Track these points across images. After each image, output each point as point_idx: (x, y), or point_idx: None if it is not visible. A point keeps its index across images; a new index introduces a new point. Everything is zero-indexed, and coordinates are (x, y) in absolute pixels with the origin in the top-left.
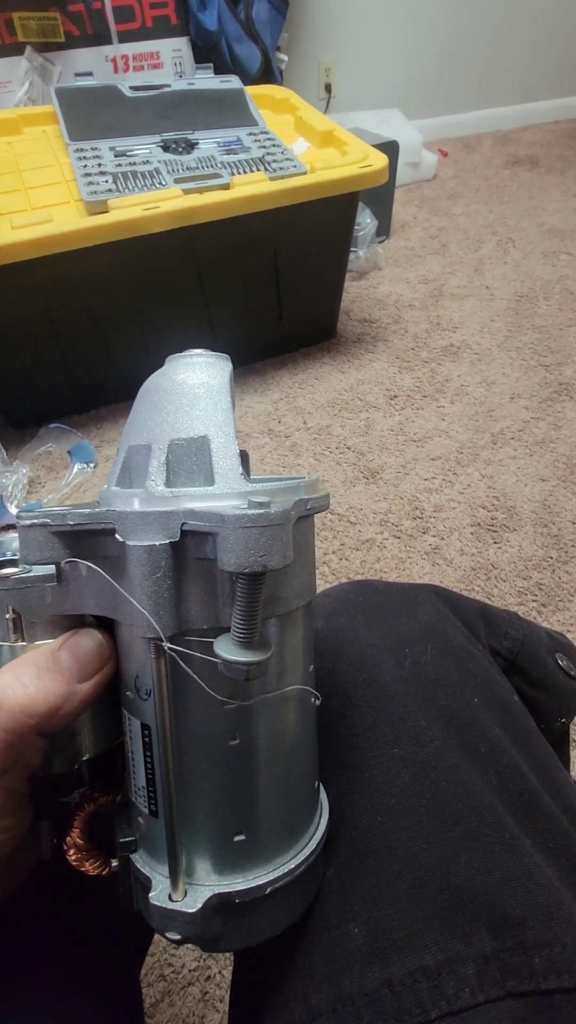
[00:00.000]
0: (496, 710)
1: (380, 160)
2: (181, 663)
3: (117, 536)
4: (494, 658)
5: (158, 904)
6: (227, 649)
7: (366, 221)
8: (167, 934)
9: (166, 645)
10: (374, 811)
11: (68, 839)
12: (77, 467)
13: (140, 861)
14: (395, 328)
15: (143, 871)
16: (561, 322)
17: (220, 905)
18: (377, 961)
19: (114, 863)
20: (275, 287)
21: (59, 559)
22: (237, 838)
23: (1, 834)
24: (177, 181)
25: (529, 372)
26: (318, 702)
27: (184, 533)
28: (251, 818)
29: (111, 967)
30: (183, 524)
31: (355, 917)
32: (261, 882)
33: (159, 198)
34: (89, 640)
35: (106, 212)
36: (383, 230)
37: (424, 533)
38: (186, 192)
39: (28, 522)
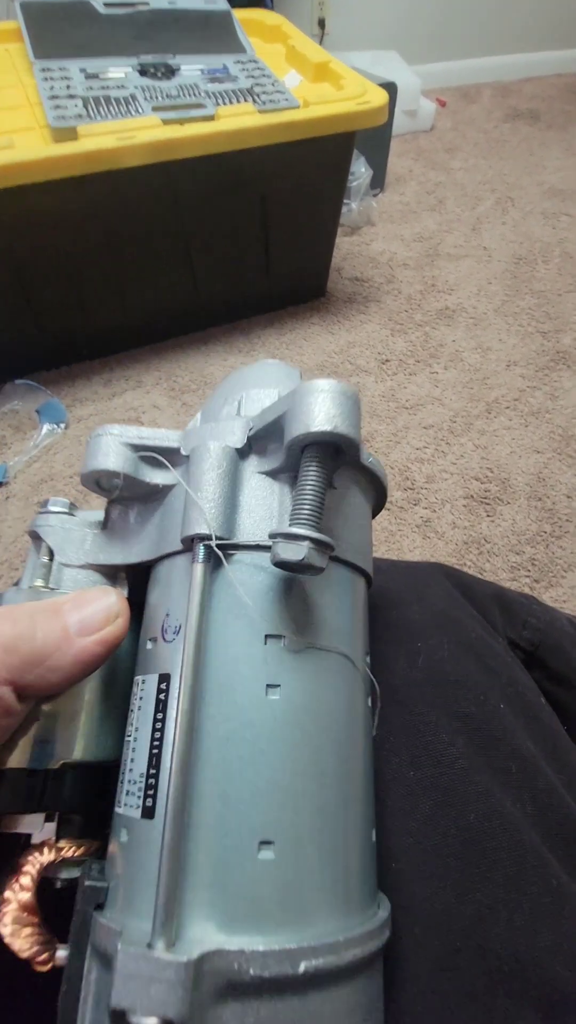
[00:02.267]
0: (524, 717)
1: (380, 97)
2: (224, 561)
3: (181, 451)
4: (512, 651)
5: (131, 953)
6: (283, 529)
7: (360, 170)
8: (134, 1020)
9: (213, 543)
10: (389, 853)
11: (10, 887)
12: (46, 428)
13: (107, 919)
14: (388, 288)
15: (111, 926)
16: (560, 287)
17: (224, 976)
18: None
19: (61, 952)
20: (263, 236)
21: (123, 469)
22: (263, 853)
23: None
24: (156, 109)
25: (526, 339)
26: (376, 709)
27: (250, 443)
28: (285, 820)
29: None
30: (250, 429)
31: None
32: (291, 946)
33: (135, 127)
34: (100, 594)
35: (75, 140)
36: (377, 182)
37: (415, 505)
38: (166, 122)
39: (100, 432)
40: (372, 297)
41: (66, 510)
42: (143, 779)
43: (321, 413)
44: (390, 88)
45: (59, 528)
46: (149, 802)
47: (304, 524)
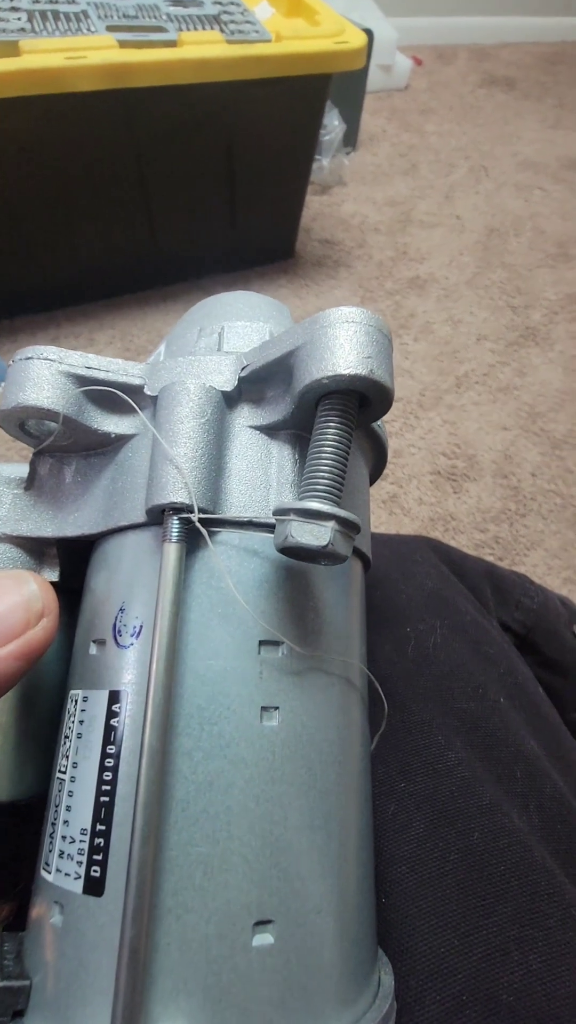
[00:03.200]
0: (526, 712)
1: (358, 38)
2: (209, 542)
3: (145, 390)
4: (504, 633)
5: None
6: (300, 504)
7: (333, 123)
8: None
9: (195, 516)
10: (377, 884)
11: None
12: None
13: None
14: (359, 253)
15: None
16: (531, 262)
17: None
18: None
19: None
20: (228, 184)
21: (63, 409)
22: (260, 938)
23: None
24: (111, 29)
25: (496, 313)
26: (381, 729)
27: (240, 386)
28: (287, 890)
29: None
30: (243, 369)
31: None
32: None
33: (87, 45)
34: (14, 583)
35: (17, 56)
36: (350, 140)
37: (382, 480)
38: (122, 44)
39: (29, 355)
40: (342, 261)
41: None
42: (86, 839)
43: (353, 352)
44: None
45: None
46: (96, 872)
47: (326, 498)
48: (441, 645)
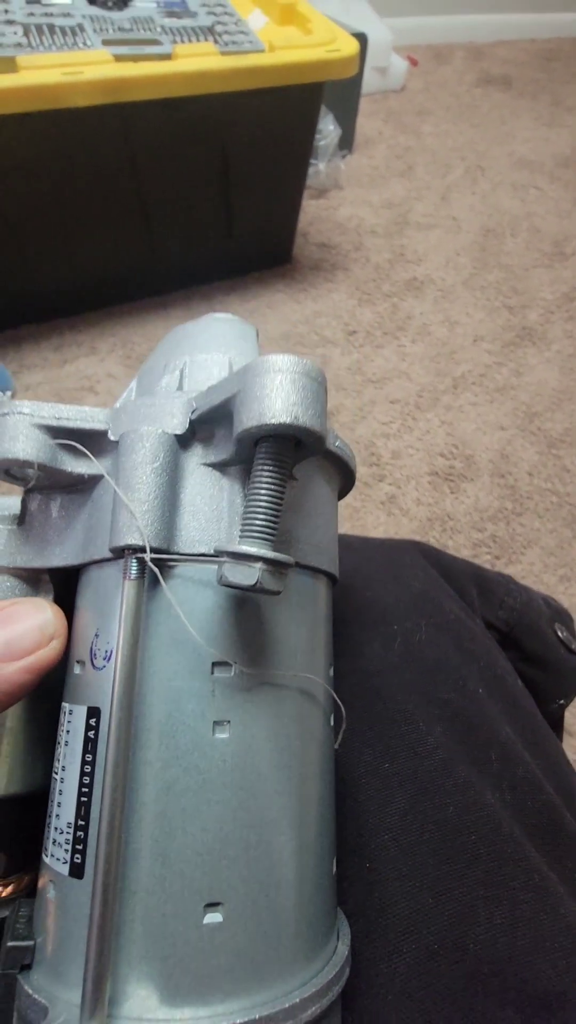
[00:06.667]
0: (503, 702)
1: (350, 45)
2: (161, 580)
3: (109, 435)
4: (488, 631)
5: None
6: (235, 544)
7: (328, 128)
8: None
9: (148, 556)
10: (361, 853)
11: None
12: None
13: (35, 985)
14: (356, 256)
15: (36, 997)
16: (527, 262)
17: None
18: None
19: None
20: (224, 194)
21: (37, 458)
22: (210, 916)
23: None
24: (106, 43)
25: (493, 314)
26: (340, 729)
27: (193, 427)
28: (235, 878)
29: None
30: (192, 412)
31: (345, 1006)
32: (241, 1021)
33: (83, 61)
34: (32, 609)
35: (15, 72)
36: (346, 143)
37: (380, 481)
38: (117, 58)
39: (6, 411)
40: (339, 265)
41: None
42: (71, 830)
43: (279, 400)
44: (360, 40)
45: None
46: (78, 858)
47: (256, 540)
48: (426, 642)
